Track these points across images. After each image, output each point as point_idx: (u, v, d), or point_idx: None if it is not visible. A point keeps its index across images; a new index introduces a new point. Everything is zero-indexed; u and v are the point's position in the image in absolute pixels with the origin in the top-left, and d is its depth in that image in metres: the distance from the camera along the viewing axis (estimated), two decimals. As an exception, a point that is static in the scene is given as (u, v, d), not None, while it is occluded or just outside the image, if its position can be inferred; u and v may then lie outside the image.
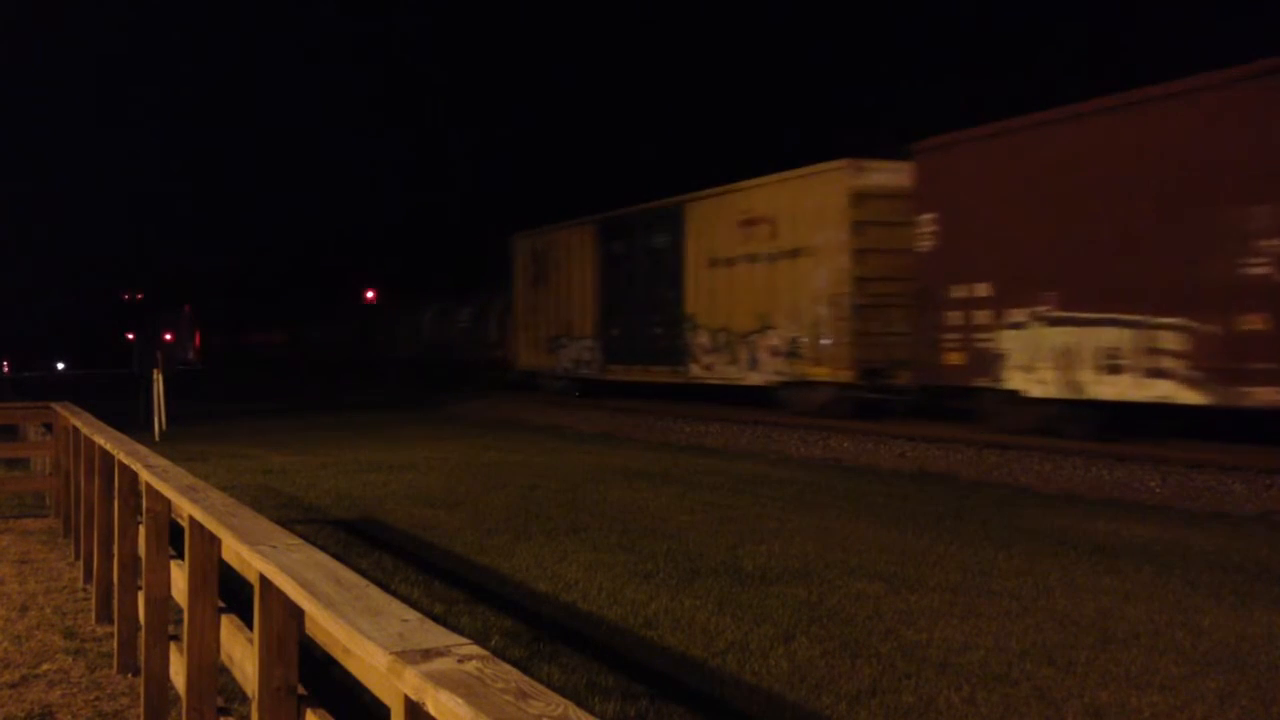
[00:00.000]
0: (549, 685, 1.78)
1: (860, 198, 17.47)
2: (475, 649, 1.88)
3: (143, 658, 4.79)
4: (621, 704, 4.80)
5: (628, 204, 25.01)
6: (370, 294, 56.04)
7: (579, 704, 1.63)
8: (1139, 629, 5.96)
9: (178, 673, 4.18)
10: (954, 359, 15.54)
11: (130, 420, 18.77)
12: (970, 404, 15.83)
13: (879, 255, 17.40)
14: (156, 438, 18.47)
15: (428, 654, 1.86)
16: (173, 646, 4.54)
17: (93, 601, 6.63)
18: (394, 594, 2.36)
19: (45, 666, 5.64)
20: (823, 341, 18.17)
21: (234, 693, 4.62)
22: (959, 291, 15.40)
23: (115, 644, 5.58)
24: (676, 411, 21.67)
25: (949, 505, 10.55)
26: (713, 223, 21.07)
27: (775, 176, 19.45)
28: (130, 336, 78.44)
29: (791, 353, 18.94)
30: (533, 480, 12.52)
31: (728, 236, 20.49)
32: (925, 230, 16.01)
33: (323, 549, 2.87)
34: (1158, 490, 11.51)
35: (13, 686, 5.31)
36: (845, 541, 8.57)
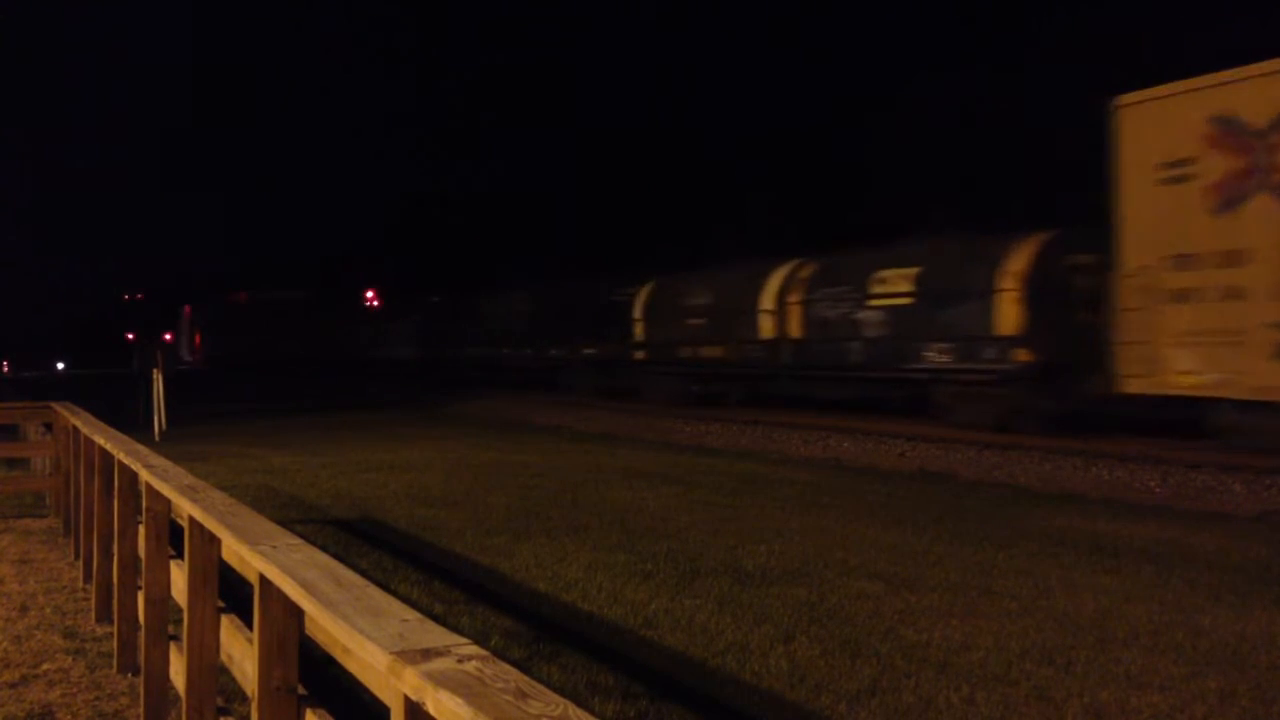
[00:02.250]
0: (549, 685, 1.78)
1: None
2: (475, 649, 1.88)
3: (143, 658, 4.78)
4: (621, 704, 4.80)
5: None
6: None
7: (579, 704, 1.62)
8: (1139, 629, 5.96)
9: (178, 673, 4.17)
10: None
11: (130, 420, 18.78)
12: None
13: None
14: (156, 438, 18.47)
15: (427, 654, 1.86)
16: (173, 646, 4.54)
17: (93, 601, 6.62)
18: (394, 594, 2.36)
19: (45, 666, 5.65)
20: None
21: (234, 693, 4.62)
22: None
23: (115, 644, 5.58)
24: (677, 411, 21.65)
25: (949, 505, 10.55)
26: None
27: None
28: (130, 336, 78.20)
29: None
30: (533, 480, 12.52)
31: None
32: None
33: (323, 549, 2.87)
34: (1158, 490, 11.51)
35: (13, 686, 5.31)
36: (845, 541, 8.57)
